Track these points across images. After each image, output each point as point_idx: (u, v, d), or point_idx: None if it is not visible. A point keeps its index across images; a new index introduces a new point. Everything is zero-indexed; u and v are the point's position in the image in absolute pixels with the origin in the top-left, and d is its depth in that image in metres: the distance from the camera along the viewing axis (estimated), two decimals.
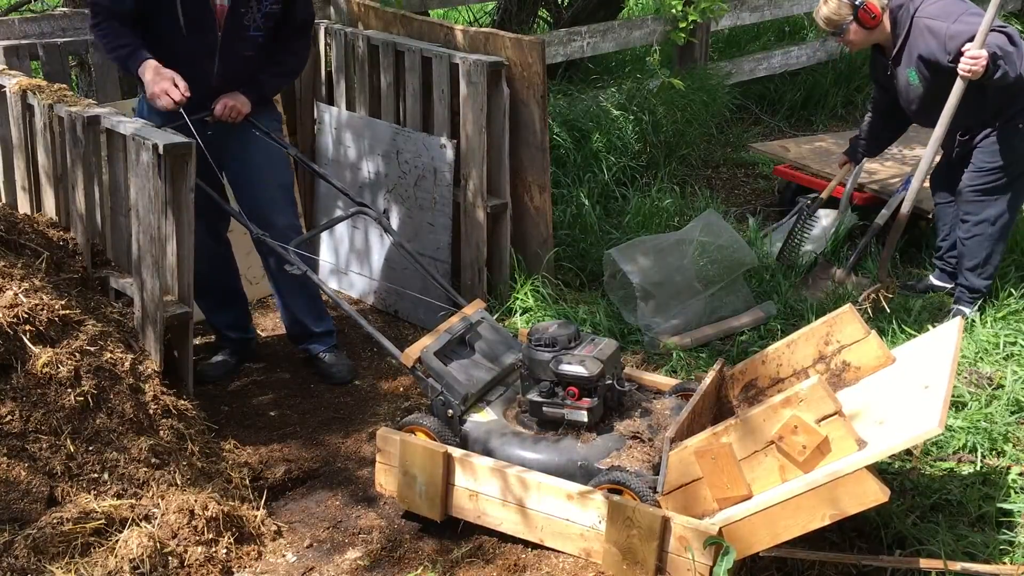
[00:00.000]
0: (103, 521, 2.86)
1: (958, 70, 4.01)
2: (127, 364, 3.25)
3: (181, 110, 3.52)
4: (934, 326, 3.52)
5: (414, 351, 3.31)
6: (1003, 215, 4.30)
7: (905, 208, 4.44)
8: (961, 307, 4.40)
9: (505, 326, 4.10)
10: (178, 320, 3.48)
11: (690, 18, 6.18)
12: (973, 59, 3.94)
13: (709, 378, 3.23)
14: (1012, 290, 4.47)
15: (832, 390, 2.72)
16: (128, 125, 3.40)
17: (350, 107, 4.71)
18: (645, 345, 4.23)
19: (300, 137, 4.94)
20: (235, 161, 3.88)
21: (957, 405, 3.64)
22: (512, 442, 3.14)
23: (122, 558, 2.78)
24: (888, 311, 4.27)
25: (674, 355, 4.10)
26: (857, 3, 4.17)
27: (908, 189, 4.53)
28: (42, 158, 3.70)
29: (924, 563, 2.78)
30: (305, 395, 4.03)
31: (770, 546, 2.72)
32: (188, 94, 3.52)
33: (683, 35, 6.27)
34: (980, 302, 4.39)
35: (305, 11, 3.91)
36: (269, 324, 4.56)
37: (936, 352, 2.96)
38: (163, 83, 3.50)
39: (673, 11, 6.17)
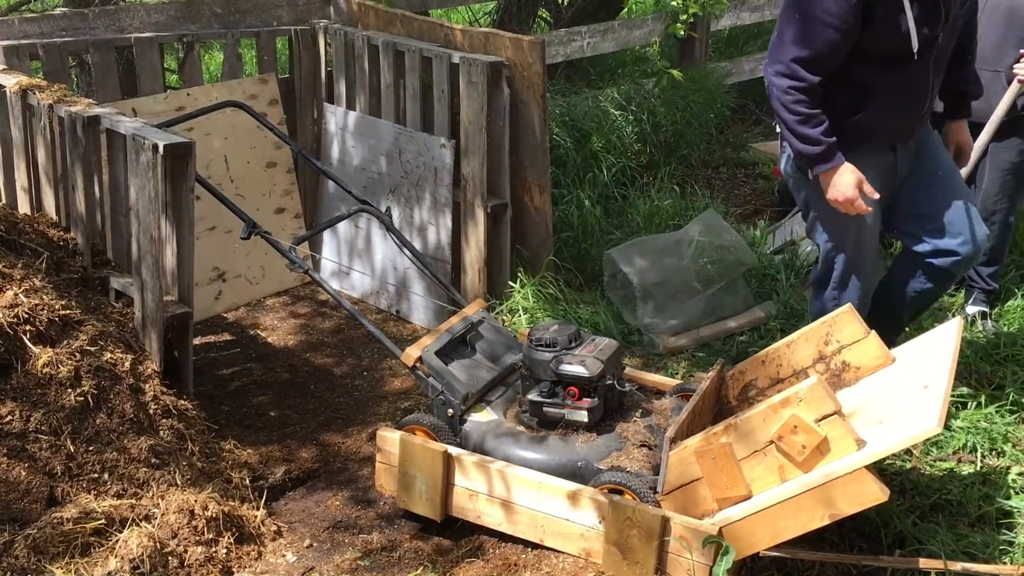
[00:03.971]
0: (103, 521, 2.86)
1: (1016, 75, 3.96)
2: (127, 364, 3.25)
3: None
4: (934, 326, 3.51)
5: (415, 350, 3.31)
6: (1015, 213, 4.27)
7: None
8: (978, 307, 4.36)
9: (506, 326, 4.10)
10: (178, 320, 3.48)
11: (690, 11, 6.17)
12: None
13: (709, 378, 3.22)
14: (1014, 288, 4.47)
15: (832, 390, 2.72)
16: (128, 125, 3.40)
17: (350, 107, 4.71)
18: (645, 345, 4.23)
19: (300, 137, 4.95)
20: (921, 167, 3.35)
21: (957, 405, 3.64)
22: (512, 442, 3.14)
23: (122, 558, 2.78)
24: None
25: (674, 355, 4.10)
26: None
27: None
28: (42, 158, 3.70)
29: (924, 563, 2.78)
30: (305, 395, 4.03)
31: (770, 546, 2.72)
32: (875, 195, 3.12)
33: (682, 28, 6.25)
34: (991, 300, 4.37)
35: None
36: (269, 323, 4.56)
37: (936, 352, 2.96)
38: (857, 192, 3.07)
39: (673, 4, 6.15)
